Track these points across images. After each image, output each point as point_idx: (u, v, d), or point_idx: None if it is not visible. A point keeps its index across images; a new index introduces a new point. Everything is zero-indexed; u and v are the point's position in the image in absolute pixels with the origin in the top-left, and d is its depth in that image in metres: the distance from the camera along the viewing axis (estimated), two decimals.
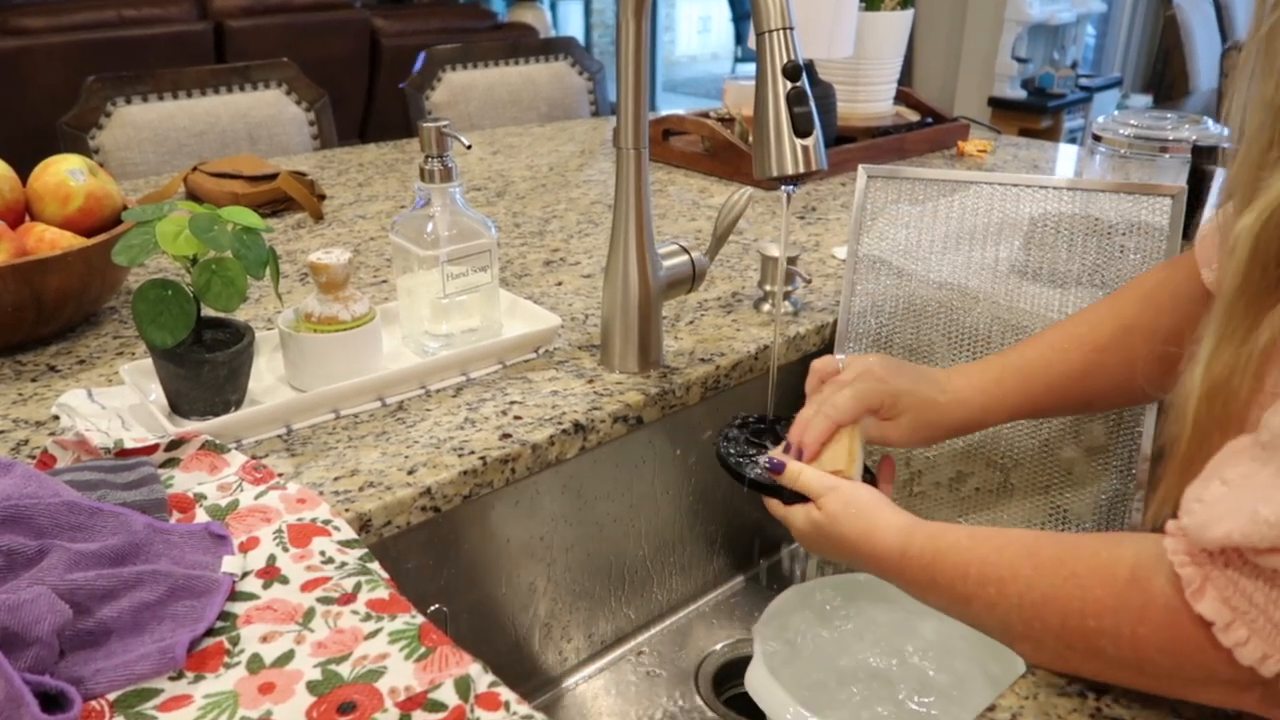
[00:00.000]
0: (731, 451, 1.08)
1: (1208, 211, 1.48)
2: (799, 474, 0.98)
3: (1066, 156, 2.49)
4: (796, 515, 0.98)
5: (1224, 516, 0.62)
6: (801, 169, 1.00)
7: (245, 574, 0.85)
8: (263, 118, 2.54)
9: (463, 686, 0.72)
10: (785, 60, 0.98)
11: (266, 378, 1.19)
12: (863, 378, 1.04)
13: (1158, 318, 1.01)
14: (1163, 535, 0.69)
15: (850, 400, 1.01)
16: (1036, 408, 1.08)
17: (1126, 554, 0.72)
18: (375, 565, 0.87)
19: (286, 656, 0.76)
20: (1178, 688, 0.73)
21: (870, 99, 2.38)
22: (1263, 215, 0.67)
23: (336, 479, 1.02)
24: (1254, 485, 0.62)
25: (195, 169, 1.93)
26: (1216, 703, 0.72)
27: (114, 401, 1.11)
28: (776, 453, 1.03)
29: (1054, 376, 1.05)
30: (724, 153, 2.14)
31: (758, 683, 1.06)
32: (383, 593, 0.83)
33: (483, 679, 0.74)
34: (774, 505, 1.02)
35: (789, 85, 0.98)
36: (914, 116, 2.47)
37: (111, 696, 0.72)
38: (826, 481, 0.96)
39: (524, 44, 3.02)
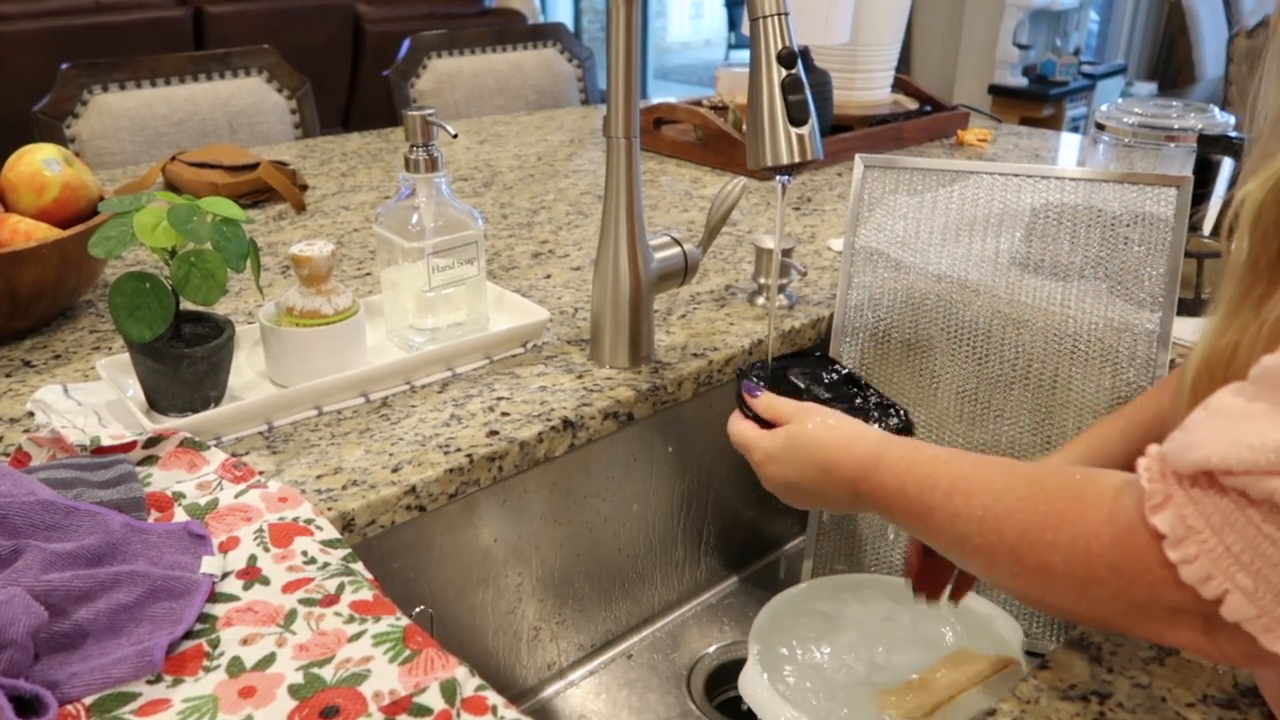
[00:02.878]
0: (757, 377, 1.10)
1: (1214, 201, 1.48)
2: (772, 404, 1.00)
3: (1069, 146, 2.49)
4: (764, 437, 0.99)
5: (1204, 440, 0.62)
6: (797, 159, 1.00)
7: (225, 575, 0.85)
8: (243, 106, 2.53)
9: (449, 690, 0.73)
10: (780, 47, 0.99)
11: (247, 373, 1.19)
12: None
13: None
14: None
15: None
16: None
17: (1103, 479, 0.72)
18: (359, 566, 0.87)
19: (267, 659, 0.76)
20: (1119, 614, 0.71)
21: (867, 86, 2.38)
22: (1267, 183, 0.68)
23: (319, 477, 1.02)
24: (1239, 415, 0.61)
25: (174, 159, 1.92)
26: (1154, 636, 0.71)
27: (90, 397, 1.10)
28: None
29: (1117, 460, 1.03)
30: (717, 142, 2.14)
31: (751, 686, 1.06)
32: (366, 594, 0.83)
33: (469, 683, 0.74)
34: (741, 426, 1.02)
35: (784, 72, 0.98)
36: (912, 104, 2.47)
37: (88, 701, 0.72)
38: (803, 406, 0.98)
39: (511, 30, 3.01)
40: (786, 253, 1.42)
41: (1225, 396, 0.63)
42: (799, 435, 0.96)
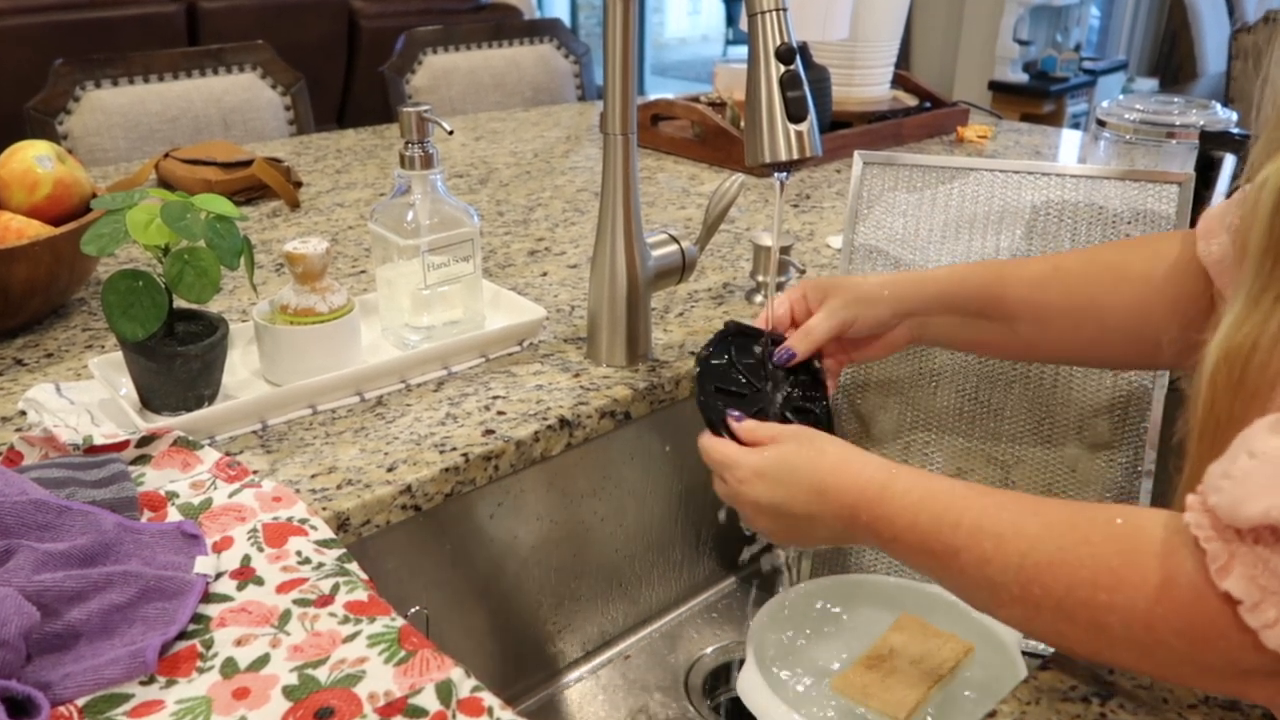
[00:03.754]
0: (712, 386, 1.06)
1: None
2: (756, 428, 0.96)
3: (1070, 142, 2.49)
4: (749, 453, 0.94)
5: (1258, 492, 0.59)
6: (795, 155, 1.00)
7: (219, 575, 0.85)
8: (237, 102, 2.53)
9: (444, 691, 0.72)
10: (778, 42, 0.98)
11: (241, 371, 1.19)
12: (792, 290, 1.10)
13: (1125, 260, 1.01)
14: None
15: (780, 310, 1.08)
16: (988, 302, 1.05)
17: (1148, 526, 0.69)
18: (354, 566, 0.87)
19: (261, 660, 0.76)
20: (1187, 675, 0.70)
21: (866, 83, 2.38)
22: None
23: (313, 476, 1.02)
24: None
25: (167, 155, 1.92)
26: (1226, 692, 0.69)
27: (83, 396, 1.10)
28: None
29: (1009, 276, 1.05)
30: (715, 138, 2.14)
31: (750, 688, 1.06)
32: (361, 594, 0.82)
33: (465, 684, 0.74)
34: (716, 442, 0.98)
35: (782, 68, 0.98)
36: (912, 101, 2.47)
37: (80, 702, 0.72)
38: (795, 428, 0.94)
39: (508, 26, 3.02)
40: (785, 250, 1.42)
41: (1270, 439, 0.61)
42: (792, 455, 0.91)
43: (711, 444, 0.98)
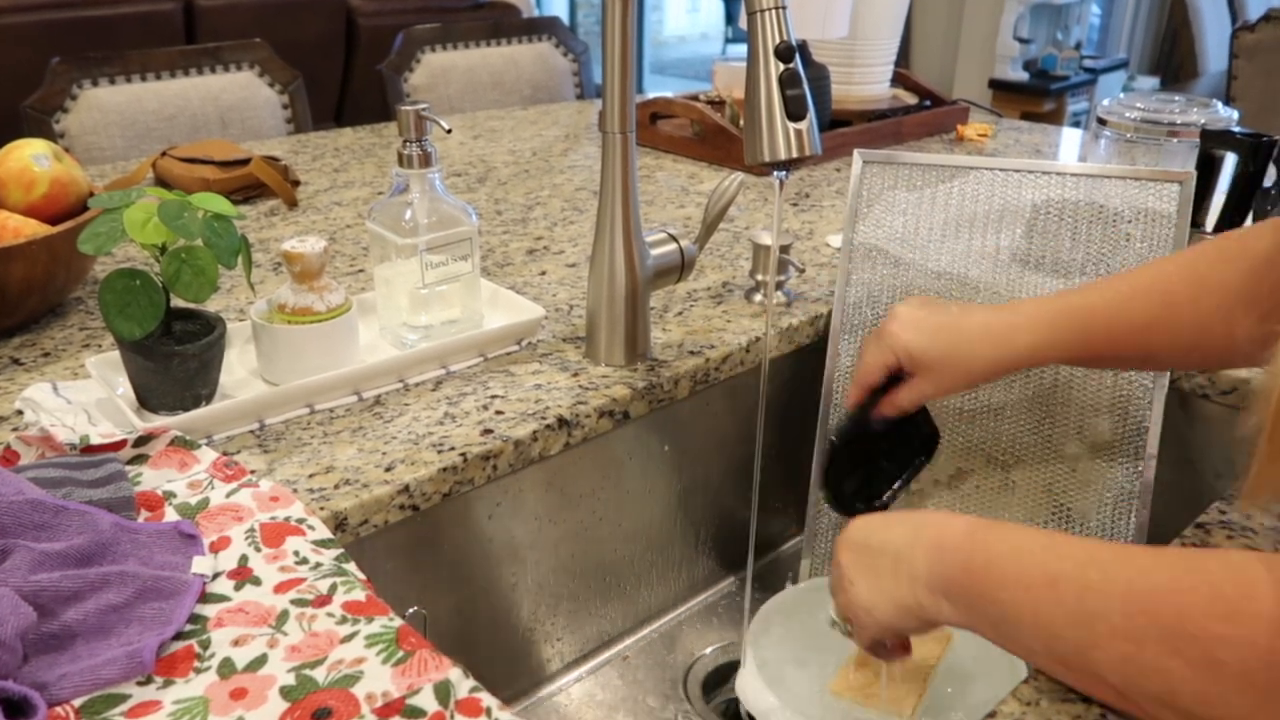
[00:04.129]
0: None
1: (1218, 197, 1.48)
2: None
3: (1070, 141, 2.49)
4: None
5: None
6: (795, 154, 1.00)
7: (216, 575, 0.85)
8: (234, 100, 2.53)
9: (442, 692, 0.73)
10: (778, 41, 0.98)
11: (238, 371, 1.19)
12: (878, 337, 1.06)
13: (1228, 273, 0.95)
14: None
15: (868, 369, 1.05)
16: (1091, 354, 1.03)
17: (1260, 559, 0.64)
18: (351, 566, 0.87)
19: (259, 661, 0.76)
20: None
21: (866, 81, 2.38)
22: None
23: (311, 476, 1.02)
24: None
25: (164, 154, 1.92)
26: None
27: (80, 395, 1.10)
28: None
29: (1116, 324, 1.00)
30: (714, 137, 2.14)
31: (749, 688, 1.06)
32: (359, 594, 0.82)
33: (463, 684, 0.74)
34: None
35: (781, 67, 0.98)
36: (912, 99, 2.47)
37: (77, 702, 0.72)
38: None
39: (506, 24, 3.01)
40: (784, 249, 1.42)
41: None
42: (890, 515, 0.91)
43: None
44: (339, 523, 0.98)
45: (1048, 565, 0.73)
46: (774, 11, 0.98)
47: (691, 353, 1.30)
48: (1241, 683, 0.62)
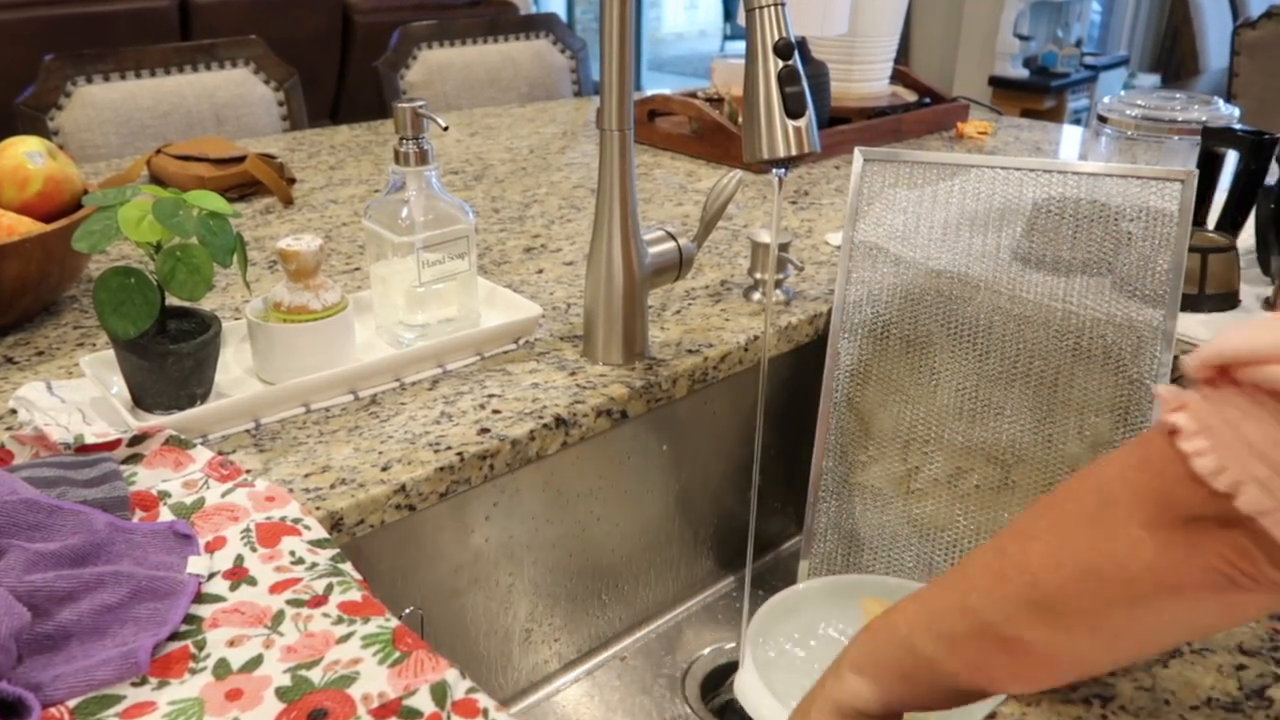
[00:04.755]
0: None
1: (1220, 195, 1.48)
2: None
3: (1071, 138, 2.49)
4: None
5: (1221, 340, 0.59)
6: (794, 151, 1.00)
7: (211, 575, 0.85)
8: (230, 98, 2.53)
9: (439, 693, 0.73)
10: (776, 37, 0.98)
11: (234, 370, 1.19)
12: None
13: None
14: None
15: None
16: None
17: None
18: (347, 566, 0.87)
19: (255, 661, 0.76)
20: (1135, 540, 0.63)
21: (866, 78, 2.38)
22: None
23: (307, 476, 1.02)
24: (1264, 321, 0.60)
25: (159, 151, 1.92)
26: (1175, 563, 0.62)
27: (74, 395, 1.10)
28: None
29: None
30: (712, 134, 2.14)
31: (747, 689, 1.06)
32: (355, 595, 0.83)
33: (460, 685, 0.74)
34: None
35: (780, 64, 0.98)
36: (911, 97, 2.47)
37: (72, 703, 0.72)
38: None
39: (503, 21, 3.02)
40: (783, 247, 1.42)
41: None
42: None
43: None
44: (335, 523, 0.98)
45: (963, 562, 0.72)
46: (773, 8, 0.98)
47: (690, 352, 1.30)
48: (1077, 519, 0.65)
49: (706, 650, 1.37)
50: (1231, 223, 1.46)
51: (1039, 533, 0.67)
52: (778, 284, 1.44)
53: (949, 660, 0.70)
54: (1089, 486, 0.66)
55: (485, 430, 1.11)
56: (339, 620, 0.80)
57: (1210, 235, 1.41)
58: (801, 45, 2.10)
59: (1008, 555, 0.69)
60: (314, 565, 0.86)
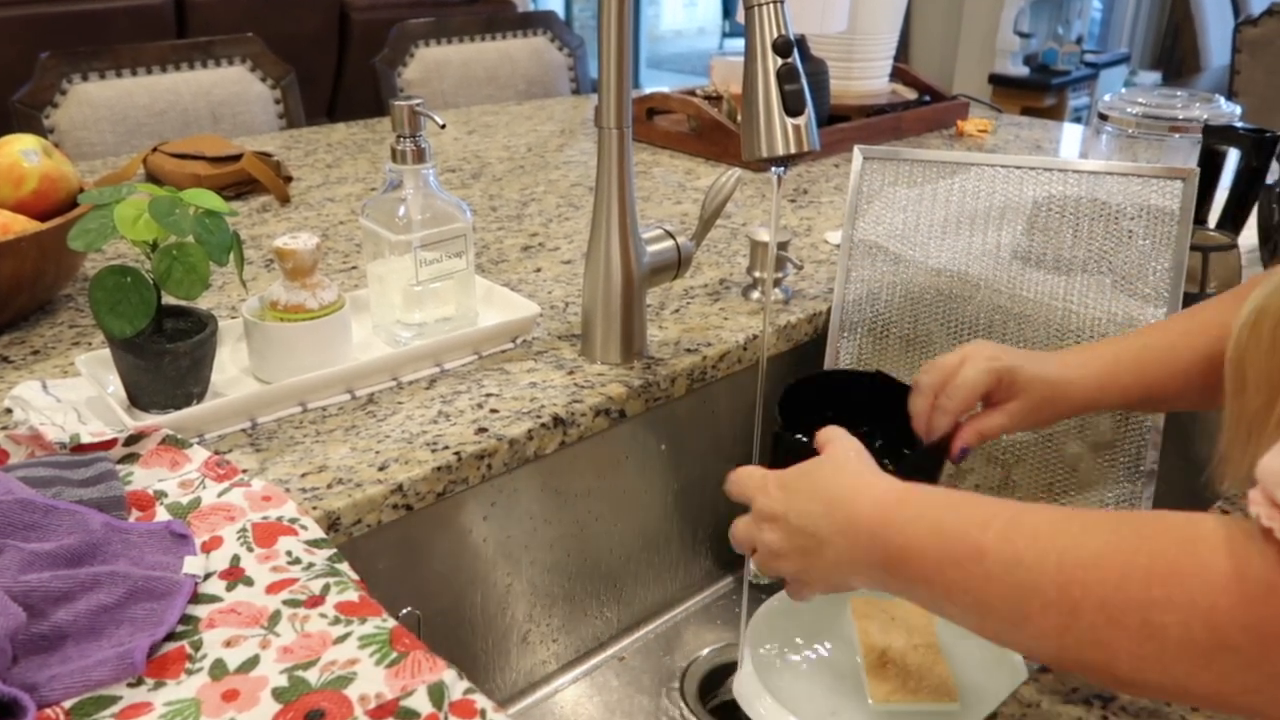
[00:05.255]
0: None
1: (1221, 194, 1.48)
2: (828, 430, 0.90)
3: (1071, 136, 2.50)
4: (777, 470, 0.87)
5: None
6: (793, 150, 1.00)
7: (208, 575, 0.85)
8: (226, 95, 2.53)
9: (436, 694, 0.73)
10: (775, 35, 0.99)
11: (230, 369, 1.19)
12: (972, 359, 1.00)
13: None
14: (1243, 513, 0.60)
15: (968, 387, 0.99)
16: (1153, 394, 1.00)
17: (1205, 521, 0.62)
18: (344, 566, 0.87)
19: (251, 662, 0.76)
20: (1251, 688, 0.60)
21: (865, 76, 2.38)
22: None
23: (304, 475, 1.02)
24: None
25: (155, 149, 1.92)
26: None
27: (70, 394, 1.10)
28: None
29: (1177, 362, 0.98)
30: (711, 133, 2.14)
31: (746, 690, 1.06)
32: (352, 595, 0.83)
33: (457, 686, 0.74)
34: (748, 468, 0.92)
35: (779, 61, 0.99)
36: (911, 94, 2.47)
37: (67, 704, 0.72)
38: (842, 433, 0.88)
39: (501, 18, 3.01)
40: (782, 246, 1.42)
41: None
42: (814, 465, 0.85)
43: (741, 470, 0.93)
44: (332, 522, 0.98)
45: (970, 539, 0.70)
46: (772, 6, 0.98)
47: (688, 351, 1.30)
48: (1182, 647, 0.60)
49: (705, 651, 1.37)
50: (1233, 221, 1.46)
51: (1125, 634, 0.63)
52: (777, 283, 1.44)
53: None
54: (1198, 621, 0.60)
55: (483, 430, 1.11)
56: (336, 621, 0.80)
57: (1211, 234, 1.41)
58: (801, 43, 2.10)
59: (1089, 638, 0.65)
60: (311, 565, 0.86)
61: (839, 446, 0.87)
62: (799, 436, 0.98)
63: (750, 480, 0.90)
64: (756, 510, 0.88)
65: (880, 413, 1.08)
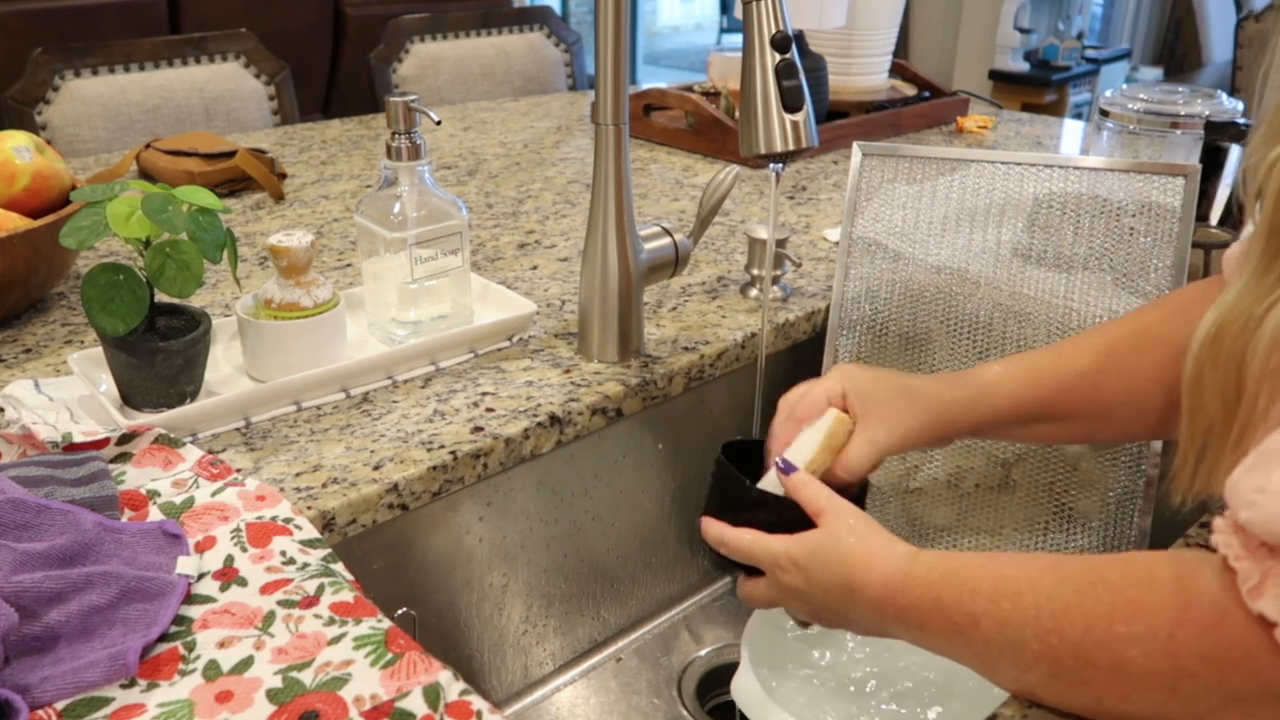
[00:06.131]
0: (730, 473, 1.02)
1: (1222, 190, 1.48)
2: (806, 484, 0.91)
3: (1072, 133, 2.50)
4: (785, 543, 0.89)
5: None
6: (791, 146, 1.00)
7: (201, 575, 0.85)
8: (220, 92, 2.53)
9: (432, 695, 0.72)
10: (774, 31, 0.99)
11: (224, 367, 1.19)
12: (829, 376, 1.01)
13: (1177, 326, 0.95)
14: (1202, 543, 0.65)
15: (818, 397, 0.98)
16: (1045, 407, 1.02)
17: (1165, 558, 0.68)
18: (339, 566, 0.87)
19: (245, 663, 0.76)
20: (1216, 708, 0.66)
21: (864, 72, 2.38)
22: None
23: (298, 475, 1.02)
24: None
25: (148, 146, 1.92)
26: None
27: (62, 393, 1.10)
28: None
29: (1063, 373, 1.00)
30: (709, 129, 2.14)
31: (745, 691, 1.06)
32: (347, 595, 0.82)
33: (453, 687, 0.74)
34: (761, 540, 0.93)
35: (778, 57, 0.99)
36: (910, 90, 2.48)
37: (60, 706, 0.72)
38: (834, 501, 0.89)
39: (497, 14, 3.01)
40: (781, 243, 1.42)
41: None
42: (823, 546, 0.87)
43: (751, 540, 0.94)
44: (326, 522, 0.98)
45: (964, 608, 0.76)
46: (770, 1, 0.98)
47: (686, 349, 1.30)
48: (1150, 678, 0.66)
49: (704, 651, 1.37)
50: (1235, 218, 1.46)
51: (1107, 683, 0.70)
52: (775, 280, 1.44)
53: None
54: (1158, 651, 0.66)
55: (479, 429, 1.11)
56: (330, 621, 0.80)
57: (1213, 231, 1.41)
58: (799, 38, 2.10)
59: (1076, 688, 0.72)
60: (305, 565, 0.86)
61: (837, 519, 0.88)
62: (754, 485, 0.99)
63: (765, 556, 0.92)
64: (779, 585, 0.91)
65: None
